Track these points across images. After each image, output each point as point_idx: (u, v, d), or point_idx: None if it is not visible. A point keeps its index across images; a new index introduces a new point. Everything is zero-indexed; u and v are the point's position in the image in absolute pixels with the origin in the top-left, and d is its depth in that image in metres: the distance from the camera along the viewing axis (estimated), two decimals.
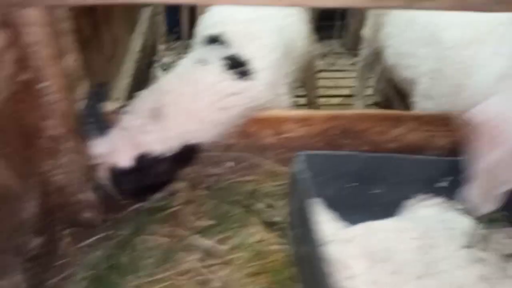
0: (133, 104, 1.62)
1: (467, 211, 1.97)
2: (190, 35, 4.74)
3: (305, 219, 1.61)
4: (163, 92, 1.60)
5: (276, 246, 1.77)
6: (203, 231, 1.82)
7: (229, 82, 1.64)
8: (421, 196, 2.03)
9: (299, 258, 1.67)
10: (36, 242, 1.68)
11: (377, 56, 3.12)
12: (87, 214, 1.93)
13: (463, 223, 1.88)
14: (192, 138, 1.60)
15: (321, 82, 4.25)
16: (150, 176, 1.58)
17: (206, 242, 1.76)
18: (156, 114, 1.55)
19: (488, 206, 1.52)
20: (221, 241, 1.78)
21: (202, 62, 1.67)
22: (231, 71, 1.66)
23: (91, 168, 1.80)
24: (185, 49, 4.72)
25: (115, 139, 1.56)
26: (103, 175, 1.57)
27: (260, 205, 1.89)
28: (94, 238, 1.88)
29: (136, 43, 3.62)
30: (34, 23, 1.34)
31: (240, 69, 1.68)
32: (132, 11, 3.59)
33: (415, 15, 2.30)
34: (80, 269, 1.76)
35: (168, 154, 1.57)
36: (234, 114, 1.68)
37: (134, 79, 3.30)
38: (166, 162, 1.57)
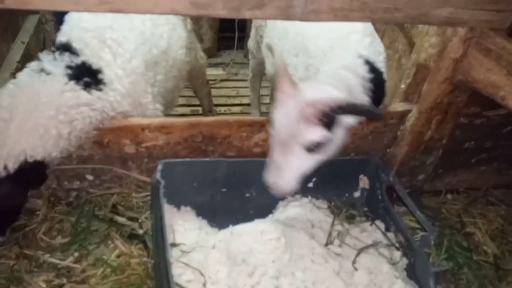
0: None
1: (330, 209, 2.08)
2: None
3: (159, 228, 1.58)
4: (0, 107, 1.48)
5: (136, 259, 1.71)
6: (58, 250, 1.71)
7: (73, 93, 1.56)
8: (291, 197, 2.10)
9: (155, 270, 1.63)
10: None
11: (262, 66, 3.21)
12: None
13: (325, 221, 1.97)
14: (31, 155, 1.49)
15: (223, 91, 4.28)
16: None
17: (59, 261, 1.65)
18: None
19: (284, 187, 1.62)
20: (77, 259, 1.69)
21: (43, 71, 1.57)
22: (76, 81, 1.58)
23: None
24: None
25: None
26: None
27: (121, 219, 1.82)
28: None
29: (15, 53, 3.38)
30: None
31: (88, 78, 1.60)
32: (12, 19, 3.35)
33: (288, 25, 2.39)
34: None
35: (4, 173, 1.44)
36: (80, 127, 1.59)
37: None
38: (3, 184, 1.44)
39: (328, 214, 2.02)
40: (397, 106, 2.06)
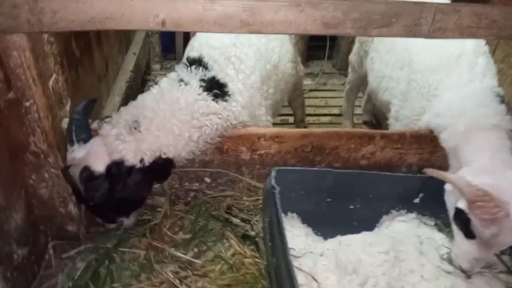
0: (115, 115, 1.71)
1: (438, 226, 2.04)
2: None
3: (276, 233, 1.68)
4: (142, 107, 1.69)
5: (249, 259, 1.83)
6: (180, 245, 1.88)
7: (205, 102, 1.74)
8: (396, 212, 2.10)
9: (270, 271, 1.73)
10: (20, 252, 1.76)
11: (364, 80, 3.23)
12: (70, 227, 2.01)
13: (433, 238, 1.95)
14: (165, 153, 1.68)
15: (312, 101, 4.35)
16: (121, 185, 1.64)
17: (182, 255, 1.82)
18: (132, 126, 1.64)
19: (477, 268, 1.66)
20: (197, 254, 1.85)
21: (182, 81, 1.77)
22: (208, 92, 1.76)
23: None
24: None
25: (92, 145, 1.64)
26: (75, 178, 1.63)
27: (236, 220, 1.96)
28: (76, 250, 1.95)
29: (128, 63, 3.75)
30: (17, 48, 1.45)
31: (217, 90, 1.78)
32: (125, 32, 3.73)
33: (396, 39, 2.40)
34: (62, 279, 1.82)
35: (140, 165, 1.65)
36: (208, 133, 1.76)
37: (125, 98, 3.42)
38: (137, 173, 1.64)
39: (436, 231, 1.99)
40: None
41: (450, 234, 2.00)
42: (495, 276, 1.78)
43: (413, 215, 2.08)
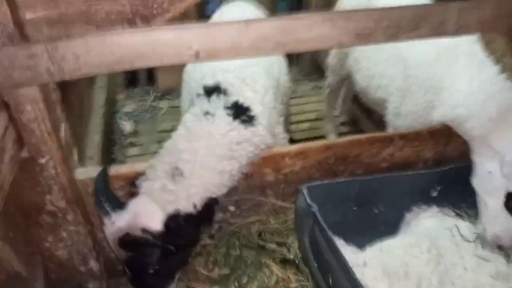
0: (149, 169, 1.58)
1: (460, 216, 2.09)
2: (149, 81, 4.77)
3: (324, 251, 1.63)
4: (177, 151, 1.59)
5: (295, 284, 1.76)
6: (220, 282, 1.78)
7: (237, 131, 1.66)
8: (418, 209, 2.13)
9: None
10: None
11: (343, 82, 3.28)
12: (92, 285, 1.84)
13: (463, 228, 1.99)
14: (212, 192, 1.59)
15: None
16: (181, 236, 1.52)
17: None
18: (175, 174, 1.53)
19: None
20: (243, 287, 1.75)
21: (208, 114, 1.68)
22: (237, 120, 1.68)
23: (93, 239, 1.73)
24: (144, 96, 4.70)
25: (137, 207, 1.51)
26: (132, 245, 1.48)
27: (270, 245, 1.88)
28: None
29: (98, 97, 3.56)
30: (30, 101, 1.30)
31: (244, 116, 1.70)
32: None
33: None
34: None
35: (194, 211, 1.54)
36: (245, 162, 1.69)
37: (104, 135, 3.23)
38: (193, 220, 1.54)
39: (460, 221, 2.04)
40: None
41: (473, 221, 2.06)
42: None
43: (436, 209, 2.12)
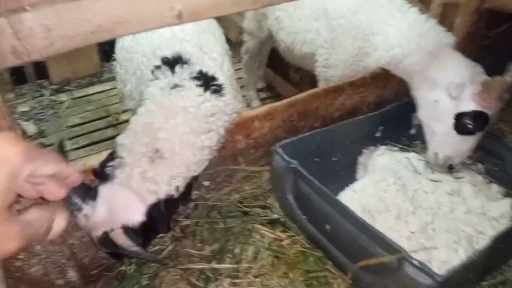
0: (122, 150, 1.41)
1: (403, 150, 2.32)
2: (38, 75, 4.22)
3: (315, 203, 1.68)
4: (153, 130, 1.43)
5: (287, 241, 1.79)
6: (213, 258, 1.72)
7: (210, 102, 1.56)
8: (367, 150, 2.30)
9: (320, 241, 1.72)
10: None
11: (261, 45, 3.30)
12: None
13: (409, 158, 2.21)
14: (194, 171, 1.48)
15: None
16: (163, 223, 1.41)
17: (227, 266, 1.67)
18: (154, 157, 1.39)
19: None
20: (237, 259, 1.72)
21: (177, 86, 1.54)
22: (208, 90, 1.57)
23: (70, 245, 1.53)
24: (39, 91, 4.17)
25: (113, 198, 1.34)
26: (115, 241, 1.33)
27: (254, 210, 1.87)
28: None
29: None
30: None
31: (213, 86, 1.60)
32: None
33: None
34: None
35: (177, 194, 1.43)
36: (222, 133, 1.61)
37: None
38: (173, 202, 1.43)
39: (406, 153, 2.26)
40: None
41: (418, 150, 2.30)
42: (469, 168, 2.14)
43: (383, 147, 2.31)
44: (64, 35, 1.03)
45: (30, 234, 0.68)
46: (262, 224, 1.84)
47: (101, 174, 1.40)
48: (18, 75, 4.05)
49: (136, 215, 1.35)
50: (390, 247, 1.40)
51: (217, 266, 1.67)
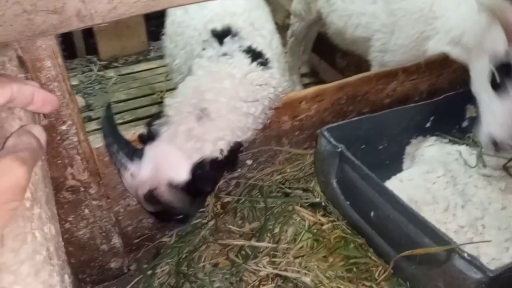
0: (169, 109, 1.43)
1: (454, 142, 2.22)
2: (88, 51, 4.35)
3: (360, 188, 1.64)
4: (200, 92, 1.45)
5: (328, 225, 1.76)
6: (253, 236, 1.73)
7: (256, 72, 1.55)
8: (416, 140, 2.22)
9: (364, 228, 1.68)
10: None
11: (308, 28, 3.24)
12: (114, 264, 1.69)
13: (463, 152, 2.12)
14: (238, 136, 1.48)
15: None
16: (208, 184, 1.42)
17: (267, 244, 1.68)
18: (200, 116, 1.40)
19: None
20: (277, 239, 1.71)
21: (226, 55, 1.56)
22: (254, 62, 1.57)
23: (116, 212, 1.58)
24: (88, 66, 4.31)
25: (159, 156, 1.37)
26: (160, 197, 1.35)
27: (298, 192, 1.86)
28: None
29: None
30: (50, 56, 1.09)
31: (260, 59, 1.59)
32: None
33: None
34: None
35: (221, 157, 1.44)
36: (267, 104, 1.60)
37: None
38: (218, 165, 1.43)
39: (456, 145, 2.16)
40: None
41: (470, 143, 2.19)
42: None
43: (432, 137, 2.22)
44: (126, 0, 1.04)
45: (24, 154, 0.63)
46: (303, 207, 1.82)
47: (147, 133, 1.43)
48: (69, 50, 4.20)
49: (181, 173, 1.36)
50: (440, 239, 1.35)
51: (256, 244, 1.67)
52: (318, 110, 1.87)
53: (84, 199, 1.42)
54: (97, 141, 1.47)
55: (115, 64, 4.30)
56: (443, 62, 2.05)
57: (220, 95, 1.45)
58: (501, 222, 1.71)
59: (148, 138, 1.42)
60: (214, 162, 1.42)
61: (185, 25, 1.88)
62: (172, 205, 1.40)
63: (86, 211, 1.45)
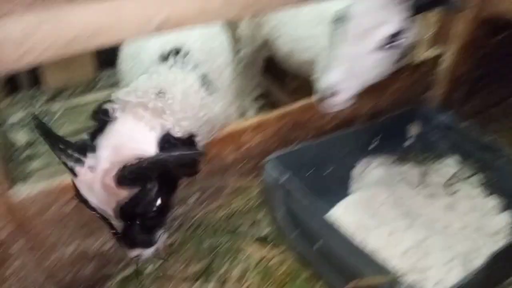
0: (123, 94, 1.37)
1: (399, 161, 2.26)
2: (32, 83, 4.17)
3: (308, 218, 1.62)
4: (157, 83, 1.43)
5: (276, 259, 1.73)
6: (199, 279, 1.66)
7: (201, 93, 1.55)
8: (362, 162, 2.24)
9: (313, 257, 1.65)
10: None
11: (257, 52, 3.26)
12: None
13: (407, 169, 2.16)
14: (191, 126, 1.44)
15: None
16: (176, 158, 1.29)
17: (211, 285, 1.61)
18: (160, 97, 1.37)
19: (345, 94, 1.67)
20: (225, 277, 1.66)
21: (176, 67, 1.56)
22: (203, 85, 1.57)
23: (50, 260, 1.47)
24: (32, 99, 4.12)
25: (120, 136, 1.28)
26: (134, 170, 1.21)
27: (242, 227, 1.81)
28: None
29: None
30: None
31: (207, 84, 1.60)
32: None
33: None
34: None
35: (181, 135, 1.38)
36: (212, 116, 1.58)
37: None
38: (183, 144, 1.38)
39: (400, 167, 2.20)
40: (429, 53, 2.28)
41: (413, 164, 2.24)
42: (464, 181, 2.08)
43: (377, 159, 2.25)
44: (37, 46, 0.97)
45: None
46: (250, 242, 1.78)
47: (95, 128, 1.32)
48: (12, 83, 4.01)
49: (149, 144, 1.29)
50: (381, 268, 1.34)
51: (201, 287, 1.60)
52: (262, 140, 1.85)
53: (12, 253, 1.31)
54: (30, 188, 1.36)
55: (61, 95, 4.14)
56: (381, 85, 2.09)
57: (175, 87, 1.44)
58: (445, 242, 1.73)
59: (98, 130, 1.31)
60: (177, 139, 1.36)
61: (140, 48, 1.83)
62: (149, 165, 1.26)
63: (16, 263, 1.34)
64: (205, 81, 1.60)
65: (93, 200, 1.25)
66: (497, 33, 2.41)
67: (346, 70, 1.64)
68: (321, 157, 2.05)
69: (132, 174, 1.19)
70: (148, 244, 1.39)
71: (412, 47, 1.85)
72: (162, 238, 1.43)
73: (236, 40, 3.30)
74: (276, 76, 3.78)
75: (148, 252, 1.41)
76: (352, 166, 2.22)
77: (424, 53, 2.30)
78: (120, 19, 1.04)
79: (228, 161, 1.81)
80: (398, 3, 1.59)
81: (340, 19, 1.68)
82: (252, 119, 1.80)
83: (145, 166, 1.19)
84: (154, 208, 1.31)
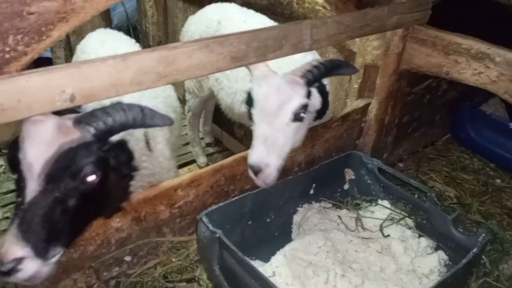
0: None
1: (337, 206, 2.33)
2: None
3: (241, 274, 1.62)
4: None
5: None
6: None
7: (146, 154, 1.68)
8: (302, 208, 2.29)
9: None
10: None
11: (203, 103, 3.33)
12: None
13: (342, 216, 2.22)
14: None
15: None
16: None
17: None
18: None
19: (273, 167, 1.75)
20: None
21: None
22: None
23: None
24: None
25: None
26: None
27: (178, 285, 1.79)
28: None
29: None
30: None
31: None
32: None
33: None
34: None
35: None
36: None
37: None
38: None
39: (339, 210, 2.28)
40: (358, 103, 2.43)
41: (350, 207, 2.32)
42: (397, 224, 2.16)
43: (316, 204, 2.32)
44: None
45: None
46: None
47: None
48: None
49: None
50: None
51: None
52: (197, 195, 1.87)
53: None
54: None
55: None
56: (314, 134, 2.19)
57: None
58: (379, 287, 1.77)
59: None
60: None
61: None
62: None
63: None
64: (147, 138, 1.65)
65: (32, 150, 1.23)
66: (417, 83, 2.62)
67: (268, 146, 1.74)
68: (260, 205, 2.08)
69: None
70: (39, 249, 1.19)
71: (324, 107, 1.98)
72: (55, 258, 1.27)
73: (184, 90, 3.38)
74: (225, 124, 3.87)
75: (33, 265, 1.17)
76: (294, 212, 2.27)
77: (354, 103, 2.45)
78: (25, 94, 1.06)
79: (163, 218, 1.81)
80: (294, 83, 1.72)
81: (249, 101, 1.80)
82: (185, 175, 1.82)
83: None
84: (80, 186, 1.30)
